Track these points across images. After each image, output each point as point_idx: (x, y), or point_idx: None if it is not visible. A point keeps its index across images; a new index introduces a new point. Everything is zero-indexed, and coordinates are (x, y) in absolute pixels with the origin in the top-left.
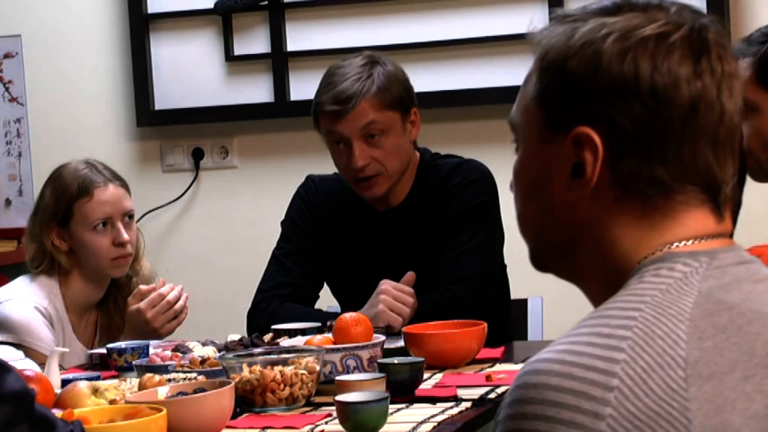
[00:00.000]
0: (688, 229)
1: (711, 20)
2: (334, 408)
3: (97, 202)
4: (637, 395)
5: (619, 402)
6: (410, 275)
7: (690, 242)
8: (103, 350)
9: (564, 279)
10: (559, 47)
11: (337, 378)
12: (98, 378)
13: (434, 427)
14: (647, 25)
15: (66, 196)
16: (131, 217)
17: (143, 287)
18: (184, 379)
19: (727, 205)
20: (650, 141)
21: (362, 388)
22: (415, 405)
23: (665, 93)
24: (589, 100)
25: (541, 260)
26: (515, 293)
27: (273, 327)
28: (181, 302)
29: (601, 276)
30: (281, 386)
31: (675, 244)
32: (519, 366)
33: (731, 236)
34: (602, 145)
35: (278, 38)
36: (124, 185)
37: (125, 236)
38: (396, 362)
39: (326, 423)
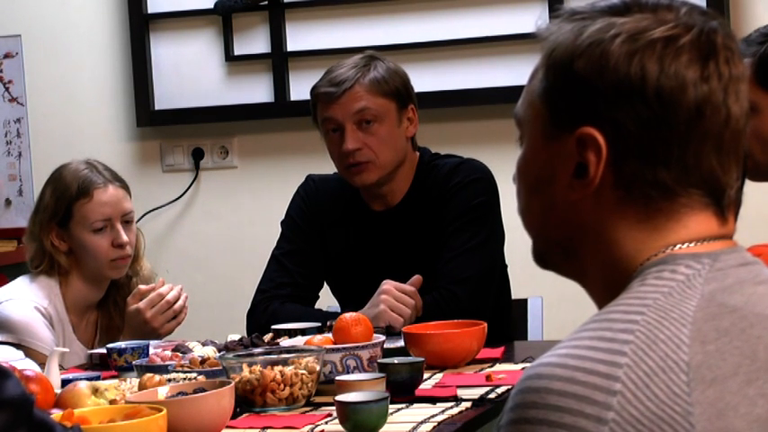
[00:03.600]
0: (691, 231)
1: (720, 23)
2: (334, 408)
3: (97, 203)
4: (639, 399)
5: (621, 407)
6: (417, 278)
7: (692, 244)
8: (103, 350)
9: (566, 277)
10: (567, 45)
11: (337, 378)
12: (98, 378)
13: (434, 427)
14: (656, 27)
15: (65, 197)
16: (131, 218)
17: (142, 287)
18: (184, 379)
19: (730, 208)
20: (655, 144)
21: (362, 388)
22: (415, 405)
23: (671, 96)
24: (594, 100)
25: (543, 257)
26: (515, 293)
27: (273, 327)
28: (180, 302)
29: (603, 277)
30: (281, 386)
31: (678, 246)
32: (519, 366)
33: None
34: (605, 146)
35: (278, 38)
36: (124, 186)
37: (124, 237)
38: (396, 362)
39: (326, 423)
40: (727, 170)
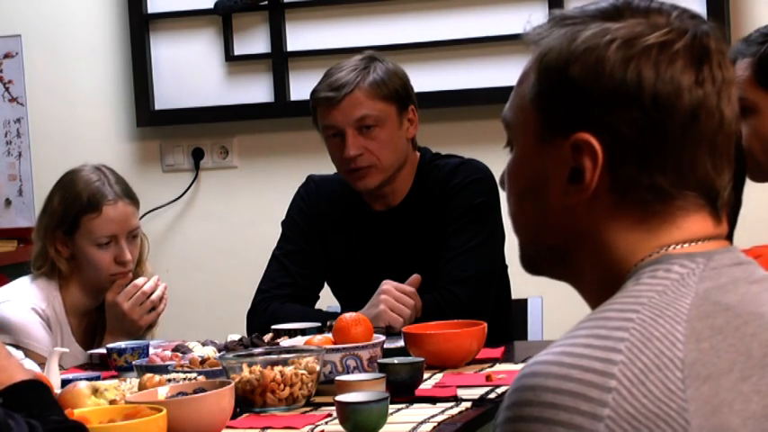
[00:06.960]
0: (685, 232)
1: (711, 26)
2: (334, 408)
3: (105, 219)
4: (635, 396)
5: (617, 404)
6: (415, 278)
7: (686, 244)
8: (103, 350)
9: (558, 279)
10: (560, 50)
11: (337, 378)
12: (98, 378)
13: (434, 427)
14: (651, 33)
15: (74, 207)
16: (137, 233)
17: (119, 280)
18: (184, 379)
19: (724, 209)
20: (650, 149)
21: (362, 388)
22: (415, 405)
23: (667, 101)
24: (590, 106)
25: (534, 262)
26: (515, 293)
27: (273, 327)
28: (158, 292)
29: (598, 279)
30: (281, 386)
31: (672, 246)
32: (519, 366)
33: (730, 237)
34: (602, 151)
35: (278, 38)
36: (134, 202)
37: (127, 255)
38: (396, 362)
39: (326, 423)
40: (721, 172)
